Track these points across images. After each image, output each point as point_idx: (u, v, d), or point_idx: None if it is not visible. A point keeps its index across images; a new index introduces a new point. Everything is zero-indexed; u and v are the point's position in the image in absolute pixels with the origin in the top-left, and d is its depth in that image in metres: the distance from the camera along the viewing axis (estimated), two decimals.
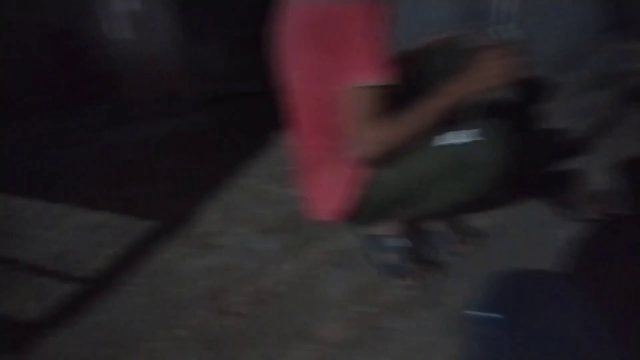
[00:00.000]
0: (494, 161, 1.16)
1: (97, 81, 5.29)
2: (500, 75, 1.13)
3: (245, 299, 1.43)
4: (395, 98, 1.12)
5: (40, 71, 5.12)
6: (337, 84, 1.09)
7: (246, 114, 2.52)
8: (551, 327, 1.10)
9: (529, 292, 1.26)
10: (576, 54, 2.09)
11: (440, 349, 1.37)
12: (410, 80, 1.32)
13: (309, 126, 1.28)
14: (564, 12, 2.13)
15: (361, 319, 1.43)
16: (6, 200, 1.66)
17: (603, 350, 1.07)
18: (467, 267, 1.61)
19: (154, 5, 4.02)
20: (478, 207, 1.37)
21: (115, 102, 5.04)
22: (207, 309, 1.38)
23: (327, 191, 1.37)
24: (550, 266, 1.43)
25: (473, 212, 1.46)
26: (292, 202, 1.83)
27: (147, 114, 3.27)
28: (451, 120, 1.19)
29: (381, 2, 1.08)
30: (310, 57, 1.11)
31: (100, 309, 1.34)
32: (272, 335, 1.33)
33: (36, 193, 1.69)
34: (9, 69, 4.98)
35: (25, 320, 1.29)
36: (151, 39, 4.19)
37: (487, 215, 1.87)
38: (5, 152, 2.33)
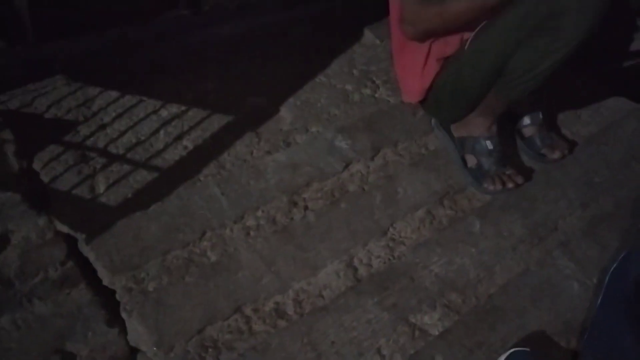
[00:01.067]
0: (591, 6, 1.02)
1: None
2: None
3: (317, 195, 1.38)
4: None
5: None
6: None
7: (333, 12, 2.37)
8: None
9: None
10: None
11: (520, 254, 1.27)
12: None
13: (396, 9, 1.32)
14: None
15: (437, 220, 1.34)
16: (82, 89, 1.68)
17: None
18: (556, 174, 1.45)
19: None
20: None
21: (197, 8, 5.03)
22: (278, 202, 1.34)
23: (409, 71, 1.44)
24: None
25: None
26: (372, 102, 1.72)
27: (228, 12, 3.19)
28: None
29: None
30: None
31: (173, 196, 1.35)
32: (342, 230, 1.28)
33: (111, 85, 1.69)
34: None
35: (99, 204, 1.32)
36: None
37: (578, 123, 1.67)
38: (85, 52, 2.38)
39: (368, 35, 2.02)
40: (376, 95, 1.75)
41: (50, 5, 3.94)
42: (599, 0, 1.02)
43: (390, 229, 1.30)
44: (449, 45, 1.33)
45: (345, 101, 1.72)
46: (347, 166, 1.44)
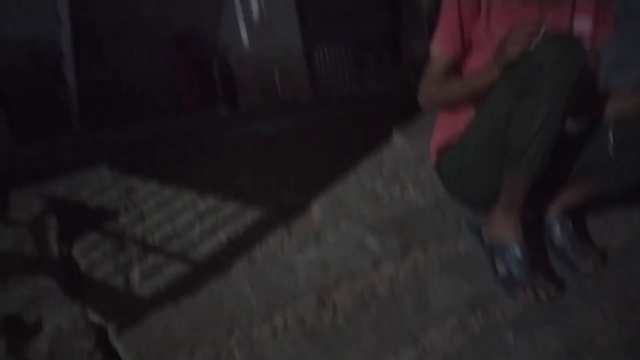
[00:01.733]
0: (565, 62, 1.13)
1: (218, 82, 5.63)
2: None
3: (346, 296, 1.37)
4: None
5: (167, 73, 5.56)
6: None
7: (364, 114, 2.51)
8: None
9: None
10: None
11: None
12: None
13: None
14: None
15: (469, 329, 1.31)
16: (124, 179, 1.77)
17: None
18: (590, 287, 1.42)
19: (276, 7, 4.17)
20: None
21: (234, 101, 5.33)
22: (308, 301, 1.34)
23: (436, 132, 1.55)
24: None
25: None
26: (401, 203, 1.75)
27: (264, 112, 3.38)
28: None
29: None
30: None
31: (204, 290, 1.36)
32: (371, 336, 1.26)
33: (152, 176, 1.78)
34: (139, 70, 5.47)
35: (133, 295, 1.34)
36: (272, 41, 4.34)
37: (609, 233, 1.66)
38: (129, 142, 2.52)
39: (398, 138, 2.11)
40: (405, 197, 1.79)
41: (97, 96, 4.24)
42: (568, 62, 1.13)
43: (421, 337, 1.27)
44: (460, 120, 1.42)
45: (374, 201, 1.76)
46: (377, 267, 1.45)
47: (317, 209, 1.70)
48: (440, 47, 1.37)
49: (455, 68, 1.39)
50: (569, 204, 1.46)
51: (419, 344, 1.25)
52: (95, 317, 1.28)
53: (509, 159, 1.30)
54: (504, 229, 1.41)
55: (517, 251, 1.40)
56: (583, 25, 1.39)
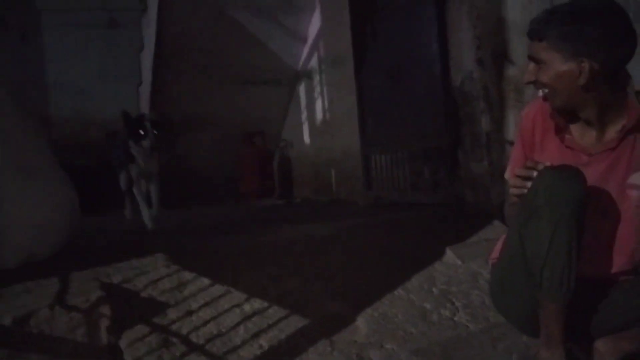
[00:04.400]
0: (560, 187, 1.22)
1: (277, 175, 5.85)
2: None
3: None
4: None
5: (231, 164, 5.86)
6: None
7: (417, 223, 2.51)
8: None
9: None
10: None
11: None
12: None
13: None
14: None
15: None
16: (178, 272, 1.82)
17: None
18: None
19: (339, 112, 4.38)
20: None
21: (290, 195, 5.49)
22: None
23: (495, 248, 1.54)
24: None
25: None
26: (450, 325, 1.70)
27: (317, 213, 3.46)
28: None
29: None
30: None
31: None
32: None
33: (205, 273, 1.83)
34: (205, 160, 5.80)
35: None
36: (332, 142, 4.51)
37: None
38: (187, 235, 2.63)
39: (450, 254, 2.08)
40: (455, 318, 1.74)
41: (165, 180, 4.47)
42: (563, 187, 1.22)
43: None
44: None
45: (422, 320, 1.71)
46: None
47: (362, 323, 1.67)
48: (509, 176, 1.48)
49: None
50: (625, 351, 1.36)
51: None
52: None
53: (532, 282, 1.31)
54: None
55: None
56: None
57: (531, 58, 1.38)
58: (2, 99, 2.38)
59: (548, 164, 1.28)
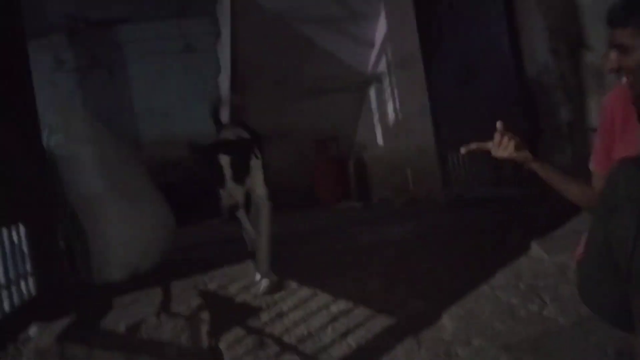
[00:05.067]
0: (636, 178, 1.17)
1: (353, 179, 5.92)
2: None
3: None
4: None
5: (306, 170, 6.01)
6: None
7: (499, 219, 2.47)
8: None
9: None
10: None
11: None
12: None
13: None
14: None
15: None
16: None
17: None
18: None
19: (411, 111, 4.38)
20: None
21: (367, 197, 5.53)
22: None
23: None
24: None
25: None
26: (539, 320, 1.67)
27: (396, 214, 3.48)
28: None
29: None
30: None
31: None
32: None
33: (292, 276, 1.92)
34: (281, 167, 5.99)
35: None
36: (406, 141, 4.52)
37: None
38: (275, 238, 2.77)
39: (535, 248, 2.04)
40: (544, 312, 1.70)
41: None
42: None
43: None
44: None
45: (510, 316, 1.70)
46: None
47: (448, 321, 1.69)
48: (594, 166, 1.47)
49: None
50: None
51: None
52: None
53: (621, 276, 1.25)
54: None
55: None
56: None
57: (613, 45, 1.34)
58: (100, 131, 2.65)
59: None
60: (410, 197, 4.51)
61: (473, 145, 1.39)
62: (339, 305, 1.79)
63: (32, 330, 1.80)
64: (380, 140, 5.59)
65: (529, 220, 2.51)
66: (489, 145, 1.38)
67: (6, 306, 1.66)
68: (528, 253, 2.05)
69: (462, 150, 1.40)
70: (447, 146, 3.73)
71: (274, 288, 1.92)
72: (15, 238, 1.89)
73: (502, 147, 1.36)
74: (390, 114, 5.10)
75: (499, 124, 1.37)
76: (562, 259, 1.97)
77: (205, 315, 1.69)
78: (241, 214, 2.31)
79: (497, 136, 1.37)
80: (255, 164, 2.18)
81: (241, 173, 2.04)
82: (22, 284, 1.85)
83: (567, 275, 1.87)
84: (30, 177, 2.07)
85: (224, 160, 1.98)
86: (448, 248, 2.27)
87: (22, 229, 1.92)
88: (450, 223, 2.68)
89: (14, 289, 1.76)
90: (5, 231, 1.81)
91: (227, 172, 1.97)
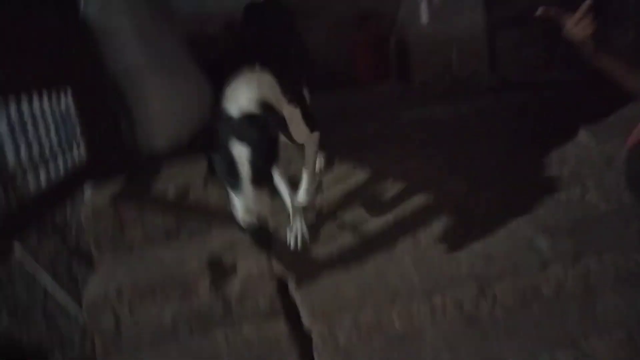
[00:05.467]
0: None
1: (394, 59, 5.71)
2: None
3: (508, 291, 1.40)
4: None
5: (346, 49, 5.80)
6: None
7: (547, 103, 2.38)
8: None
9: None
10: None
11: None
12: None
13: None
14: None
15: (637, 346, 1.25)
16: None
17: None
18: None
19: None
20: None
21: (408, 78, 5.36)
22: (468, 289, 1.39)
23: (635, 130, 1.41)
24: None
25: None
26: (580, 206, 1.68)
27: (439, 96, 3.38)
28: None
29: None
30: None
31: (371, 261, 1.50)
32: (528, 334, 1.28)
33: (333, 150, 1.93)
34: (320, 45, 5.79)
35: (310, 256, 1.52)
36: (452, 21, 4.27)
37: None
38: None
39: (583, 135, 1.98)
40: (585, 198, 1.70)
41: None
42: None
43: (583, 343, 1.25)
44: None
45: (550, 200, 1.71)
46: (544, 268, 1.43)
47: (483, 201, 1.71)
48: None
49: None
50: None
51: (579, 350, 1.24)
52: (278, 269, 1.50)
53: None
54: None
55: None
56: None
57: None
58: (138, 2, 2.56)
59: None
60: (453, 79, 4.35)
61: (552, 11, 1.27)
62: (378, 183, 1.82)
63: (87, 192, 1.91)
64: (424, 17, 5.27)
65: (578, 106, 2.40)
66: (567, 19, 1.25)
67: (61, 169, 1.75)
68: (575, 140, 2.00)
69: (539, 11, 1.28)
70: (498, 24, 3.50)
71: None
72: (64, 103, 1.94)
73: (581, 26, 1.24)
74: None
75: (588, 0, 1.23)
76: (609, 148, 1.91)
77: None
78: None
79: (579, 13, 1.24)
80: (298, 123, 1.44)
81: (266, 173, 1.19)
82: (74, 148, 1.93)
83: (613, 164, 1.83)
84: (72, 45, 2.07)
85: (240, 152, 1.13)
86: (491, 132, 2.22)
87: (70, 94, 1.96)
88: (495, 107, 2.59)
89: (66, 153, 1.84)
90: (54, 96, 1.85)
91: (245, 170, 1.13)
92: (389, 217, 1.68)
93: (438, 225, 1.63)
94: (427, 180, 1.84)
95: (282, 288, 1.49)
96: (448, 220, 1.65)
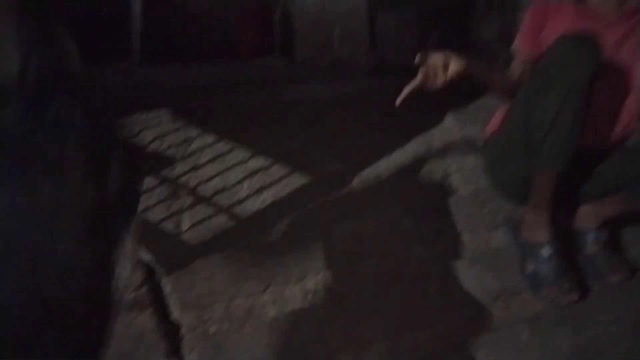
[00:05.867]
0: (573, 61, 1.22)
1: (278, 33, 5.64)
2: None
3: (376, 271, 1.46)
4: None
5: (228, 19, 5.61)
6: None
7: (419, 91, 2.50)
8: None
9: None
10: None
11: None
12: None
13: None
14: None
15: (486, 321, 1.38)
16: (184, 128, 1.87)
17: None
18: (613, 298, 1.46)
19: None
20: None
21: (291, 54, 5.34)
22: (339, 270, 1.44)
23: (492, 120, 1.58)
24: None
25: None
26: (442, 188, 1.80)
27: (320, 74, 3.41)
28: None
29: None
30: None
31: (245, 245, 1.48)
32: (393, 312, 1.35)
33: (210, 129, 1.87)
34: (202, 14, 5.54)
35: (181, 240, 1.47)
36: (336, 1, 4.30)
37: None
38: (188, 87, 2.63)
39: (449, 121, 2.12)
40: (447, 182, 1.83)
41: (159, 31, 4.34)
42: (576, 61, 1.22)
43: (440, 321, 1.35)
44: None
45: (415, 182, 1.81)
46: (408, 247, 1.52)
47: (358, 182, 1.77)
48: (518, 45, 1.50)
49: (531, 65, 1.43)
50: (607, 215, 1.48)
51: (437, 328, 1.34)
52: (146, 256, 1.41)
53: (531, 152, 1.37)
54: (536, 228, 1.45)
55: (546, 252, 1.44)
56: None
57: None
58: None
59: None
60: (334, 57, 4.41)
61: (405, 91, 1.30)
62: (257, 162, 1.80)
63: None
64: None
65: (449, 93, 2.56)
66: (418, 82, 1.27)
67: None
68: (441, 125, 2.13)
69: (398, 101, 1.31)
70: (378, 6, 3.59)
71: None
72: None
73: (432, 77, 1.26)
74: None
75: (416, 59, 1.24)
76: (472, 134, 2.07)
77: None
78: None
79: (421, 71, 1.26)
80: None
81: None
82: None
83: (473, 149, 1.99)
84: None
85: None
86: (367, 114, 2.29)
87: None
88: (373, 89, 2.67)
89: None
90: None
91: None
92: (266, 198, 1.67)
93: (313, 207, 1.66)
94: (307, 162, 1.85)
95: (151, 277, 1.42)
96: (323, 201, 1.68)
